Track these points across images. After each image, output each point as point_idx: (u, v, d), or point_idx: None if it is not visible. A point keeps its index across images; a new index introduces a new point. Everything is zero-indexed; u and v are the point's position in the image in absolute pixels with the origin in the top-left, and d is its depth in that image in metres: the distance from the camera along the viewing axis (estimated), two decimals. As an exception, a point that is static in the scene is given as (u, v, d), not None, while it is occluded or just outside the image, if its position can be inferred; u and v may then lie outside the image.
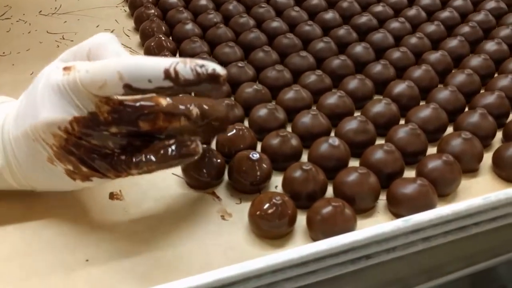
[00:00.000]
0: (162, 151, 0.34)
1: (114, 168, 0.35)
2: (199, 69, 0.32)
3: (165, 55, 0.56)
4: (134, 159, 0.34)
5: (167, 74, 0.32)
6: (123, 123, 0.34)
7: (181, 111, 0.35)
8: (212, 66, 0.32)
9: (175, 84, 0.32)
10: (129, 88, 0.32)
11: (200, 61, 0.32)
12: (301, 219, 0.40)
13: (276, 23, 0.62)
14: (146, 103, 0.35)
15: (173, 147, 0.34)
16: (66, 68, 0.34)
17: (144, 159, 0.34)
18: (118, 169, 0.35)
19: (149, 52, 0.59)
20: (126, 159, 0.35)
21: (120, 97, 0.34)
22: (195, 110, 0.36)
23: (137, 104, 0.34)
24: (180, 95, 0.38)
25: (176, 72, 0.32)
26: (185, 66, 0.32)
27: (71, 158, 0.35)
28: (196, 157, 0.36)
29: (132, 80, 0.32)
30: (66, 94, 0.33)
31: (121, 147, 0.35)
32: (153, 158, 0.34)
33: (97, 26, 0.67)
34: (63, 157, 0.35)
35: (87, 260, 0.37)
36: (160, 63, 0.32)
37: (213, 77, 0.32)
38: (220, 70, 0.32)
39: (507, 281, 0.45)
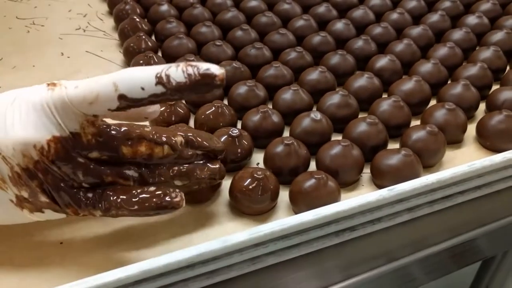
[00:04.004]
0: (139, 199, 0.32)
1: (76, 204, 0.32)
2: (190, 70, 0.29)
3: (140, 36, 0.54)
4: (104, 202, 0.32)
5: (159, 79, 0.29)
6: (106, 148, 0.32)
7: (165, 140, 0.34)
8: (205, 66, 0.29)
9: (168, 89, 0.29)
10: (124, 100, 0.30)
11: (195, 63, 0.29)
12: (284, 195, 0.39)
13: (254, 2, 0.61)
14: (131, 128, 0.33)
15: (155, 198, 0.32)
16: (50, 84, 0.31)
17: (115, 203, 0.32)
18: (80, 205, 0.32)
19: (123, 34, 0.57)
20: (92, 197, 0.32)
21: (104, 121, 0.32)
22: (179, 139, 0.34)
23: (122, 129, 0.33)
24: (171, 127, 0.35)
25: (167, 76, 0.29)
26: (176, 69, 0.29)
27: (32, 184, 0.31)
28: (176, 211, 0.33)
29: (127, 89, 0.29)
30: (49, 111, 0.30)
31: (91, 183, 0.32)
32: (125, 205, 0.32)
33: (69, 11, 0.65)
34: (21, 182, 0.31)
35: (61, 243, 0.36)
36: (152, 69, 0.30)
37: (206, 78, 0.29)
38: (215, 69, 0.29)
39: (489, 252, 0.45)
